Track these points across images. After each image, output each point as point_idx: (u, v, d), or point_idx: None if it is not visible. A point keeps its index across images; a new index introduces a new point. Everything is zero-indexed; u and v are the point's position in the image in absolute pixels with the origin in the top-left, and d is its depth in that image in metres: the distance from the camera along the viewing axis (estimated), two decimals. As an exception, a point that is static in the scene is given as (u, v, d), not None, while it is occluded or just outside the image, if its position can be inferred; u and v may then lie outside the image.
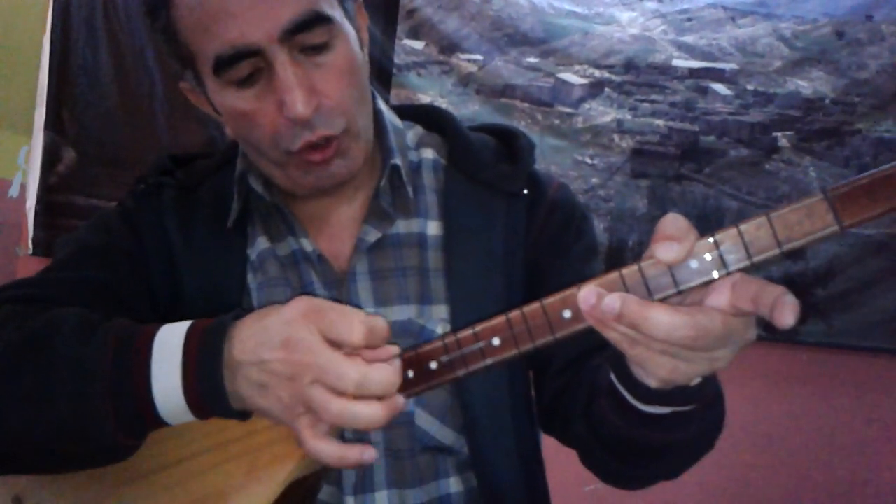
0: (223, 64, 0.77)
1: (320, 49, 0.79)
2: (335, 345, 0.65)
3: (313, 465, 0.73)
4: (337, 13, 0.80)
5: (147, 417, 0.70)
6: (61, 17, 2.39)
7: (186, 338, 0.69)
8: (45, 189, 2.40)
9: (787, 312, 0.54)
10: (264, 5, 0.75)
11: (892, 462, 2.41)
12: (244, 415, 0.70)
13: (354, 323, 0.64)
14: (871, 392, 2.42)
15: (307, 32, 0.77)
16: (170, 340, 0.70)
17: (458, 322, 0.87)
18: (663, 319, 0.56)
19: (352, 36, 0.83)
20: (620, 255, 2.38)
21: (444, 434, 0.88)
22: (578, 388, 0.83)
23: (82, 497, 0.77)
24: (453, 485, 0.89)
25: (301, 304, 0.67)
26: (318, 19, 0.78)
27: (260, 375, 0.66)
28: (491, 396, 0.88)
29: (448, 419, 0.88)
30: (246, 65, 0.77)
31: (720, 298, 0.58)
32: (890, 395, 2.42)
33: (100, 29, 2.41)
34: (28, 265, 2.38)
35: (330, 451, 0.66)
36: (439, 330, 0.88)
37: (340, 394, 0.64)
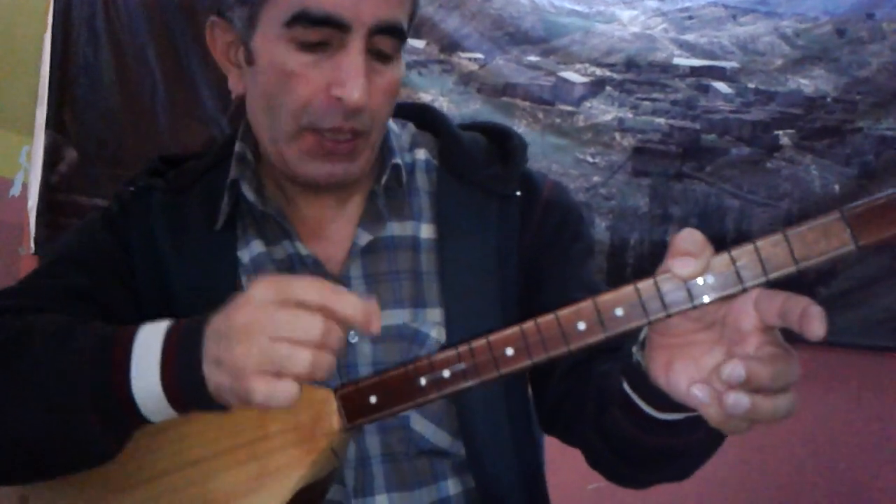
0: (304, 20, 0.78)
1: (385, 59, 0.82)
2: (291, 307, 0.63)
3: (323, 470, 0.73)
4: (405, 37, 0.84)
5: (128, 415, 0.70)
6: (62, 17, 2.39)
7: (168, 331, 0.70)
8: (46, 188, 2.40)
9: (815, 324, 0.55)
10: None
11: (893, 461, 2.41)
12: (223, 406, 0.69)
13: (313, 281, 0.63)
14: (873, 390, 2.42)
15: (388, 37, 0.80)
16: (151, 334, 0.70)
17: (452, 325, 0.87)
18: (783, 403, 0.57)
19: (402, 65, 0.86)
20: (622, 253, 2.38)
21: (439, 437, 0.88)
22: (584, 392, 0.83)
23: (88, 498, 0.77)
24: (452, 487, 0.89)
25: (264, 278, 0.66)
26: (399, 33, 0.81)
27: (218, 347, 0.65)
28: (487, 399, 0.88)
29: (444, 422, 0.88)
30: (324, 31, 0.78)
31: (749, 321, 0.59)
32: (892, 393, 2.41)
33: (101, 28, 2.41)
34: (30, 264, 2.38)
35: (289, 388, 0.63)
36: (434, 333, 0.88)
37: (304, 344, 0.62)
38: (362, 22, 0.77)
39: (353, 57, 0.78)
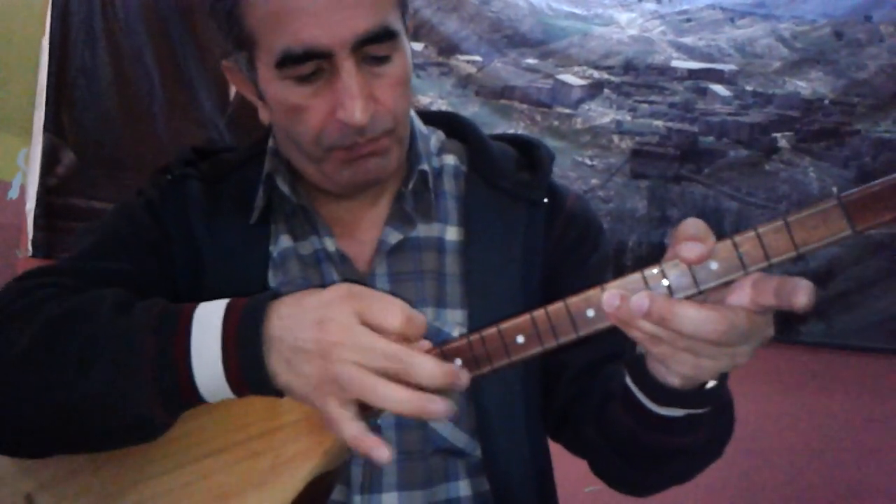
0: (290, 60, 0.79)
1: (382, 60, 0.81)
2: (372, 329, 0.66)
3: (335, 461, 0.73)
4: (400, 27, 0.83)
5: (185, 392, 0.71)
6: (60, 19, 2.39)
7: (225, 314, 0.71)
8: (44, 191, 2.40)
9: (800, 293, 0.57)
10: (344, 12, 0.77)
11: (891, 462, 2.42)
12: (280, 392, 0.70)
13: (395, 309, 0.66)
14: (870, 392, 2.42)
15: (376, 45, 0.80)
16: (208, 317, 0.71)
17: (474, 326, 0.87)
18: (691, 314, 0.59)
19: (408, 49, 0.85)
20: (620, 255, 2.38)
21: (457, 436, 0.88)
22: (591, 394, 0.84)
23: (99, 494, 0.77)
24: (462, 488, 0.89)
25: (341, 288, 0.69)
26: (387, 34, 0.80)
27: (291, 352, 0.68)
28: (505, 400, 0.89)
29: (462, 421, 0.88)
30: (311, 64, 0.79)
31: (742, 296, 0.60)
32: (890, 395, 2.42)
33: (98, 30, 2.40)
34: (27, 266, 2.37)
35: (353, 429, 0.66)
36: (455, 334, 0.88)
37: (377, 373, 0.65)
38: (343, 44, 0.78)
39: (345, 80, 0.79)
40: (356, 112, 0.79)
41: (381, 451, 0.66)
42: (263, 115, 0.90)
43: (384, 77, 0.82)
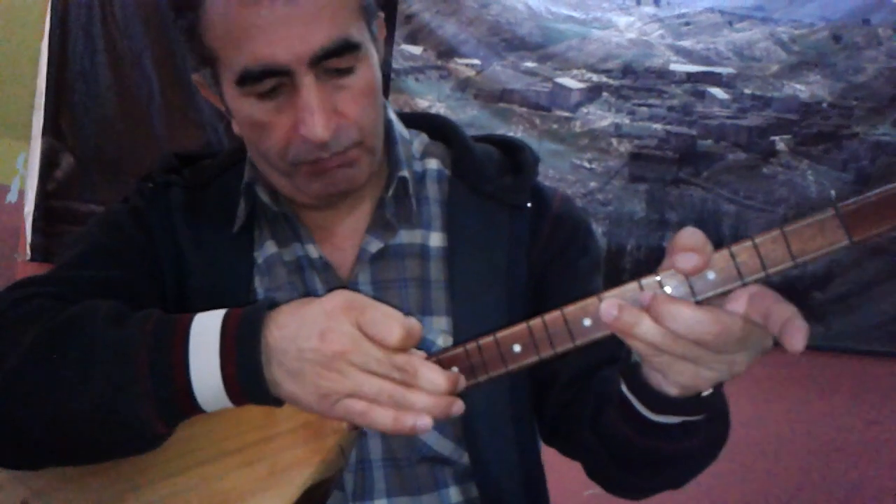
0: (249, 78, 0.78)
1: (345, 73, 0.80)
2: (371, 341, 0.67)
3: (331, 468, 0.73)
4: (364, 37, 0.81)
5: (183, 402, 0.70)
6: (59, 23, 2.39)
7: (223, 323, 0.70)
8: (43, 195, 2.40)
9: (797, 337, 0.56)
10: (300, 28, 0.76)
11: (890, 464, 2.42)
12: (278, 401, 0.70)
13: (394, 324, 0.66)
14: (869, 395, 2.42)
15: (336, 58, 0.78)
16: (206, 326, 0.71)
17: (459, 334, 0.87)
18: (685, 313, 0.58)
19: (374, 57, 0.84)
20: (619, 258, 2.39)
21: (441, 445, 0.88)
22: (586, 399, 0.83)
23: (95, 500, 0.77)
24: (453, 495, 0.89)
25: (341, 296, 0.68)
26: (347, 47, 0.79)
27: (295, 363, 0.67)
28: (492, 407, 0.88)
29: (446, 430, 0.88)
30: (270, 81, 0.78)
31: (736, 306, 0.60)
32: (888, 397, 2.42)
33: (98, 34, 2.41)
34: (26, 270, 2.38)
35: (386, 415, 0.67)
36: (440, 342, 0.88)
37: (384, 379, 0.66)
38: (300, 60, 0.77)
39: (304, 96, 0.78)
40: (317, 128, 0.78)
41: (423, 421, 0.67)
42: (236, 127, 0.89)
43: (348, 89, 0.81)
